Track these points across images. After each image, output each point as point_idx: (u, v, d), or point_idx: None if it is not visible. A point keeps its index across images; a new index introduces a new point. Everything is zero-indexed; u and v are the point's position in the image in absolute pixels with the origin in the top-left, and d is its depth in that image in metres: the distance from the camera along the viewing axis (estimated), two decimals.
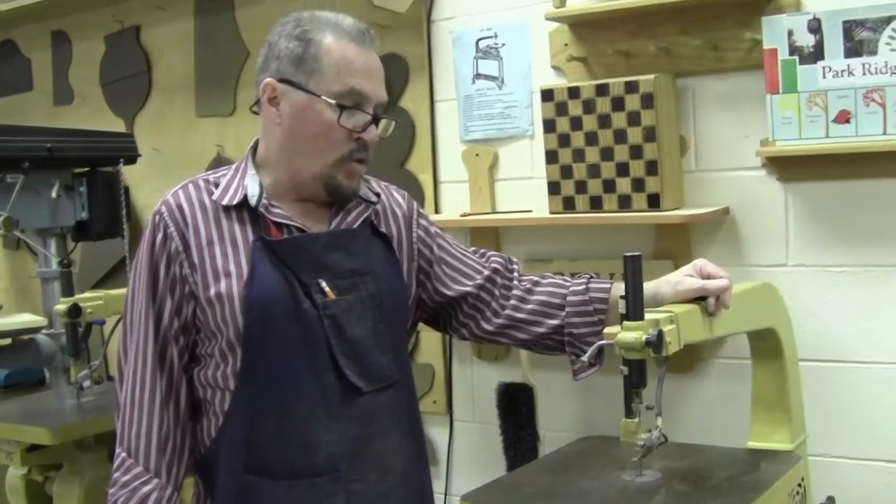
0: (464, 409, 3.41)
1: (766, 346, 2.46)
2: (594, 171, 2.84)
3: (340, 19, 2.07)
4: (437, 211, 3.37)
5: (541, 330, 2.26)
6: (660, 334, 1.92)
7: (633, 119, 2.75)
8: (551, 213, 2.95)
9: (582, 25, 2.97)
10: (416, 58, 3.38)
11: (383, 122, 2.11)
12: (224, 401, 2.06)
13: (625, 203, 2.81)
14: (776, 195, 2.75)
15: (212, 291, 2.02)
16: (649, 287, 2.08)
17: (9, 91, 4.71)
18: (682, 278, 2.14)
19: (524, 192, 3.16)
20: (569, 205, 2.90)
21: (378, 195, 2.22)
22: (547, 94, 2.90)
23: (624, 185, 2.80)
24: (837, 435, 2.72)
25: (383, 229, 2.22)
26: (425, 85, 3.37)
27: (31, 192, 3.77)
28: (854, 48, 2.52)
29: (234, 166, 2.15)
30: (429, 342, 3.45)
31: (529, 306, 2.27)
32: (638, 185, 2.78)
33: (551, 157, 2.91)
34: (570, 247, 3.07)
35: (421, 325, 2.44)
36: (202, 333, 2.06)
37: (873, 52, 2.50)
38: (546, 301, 2.26)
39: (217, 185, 2.10)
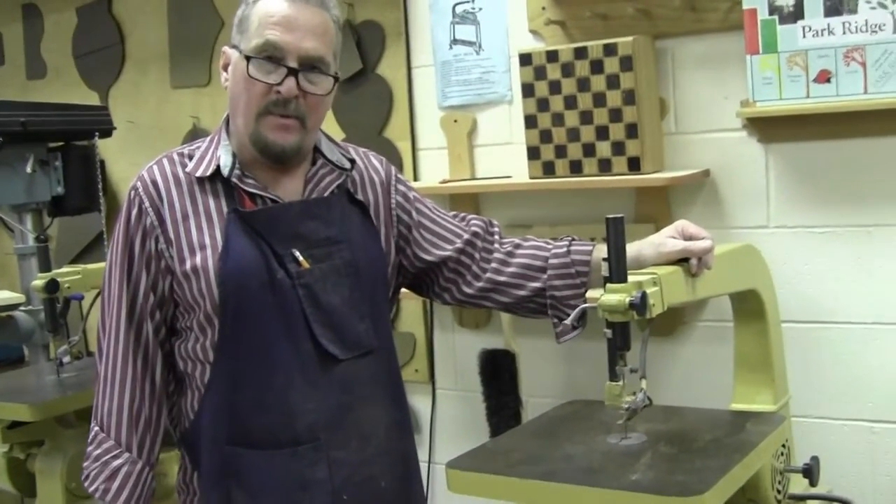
0: (446, 377, 3.41)
1: (749, 307, 2.46)
2: (574, 135, 2.83)
3: None
4: (416, 178, 3.35)
5: (522, 293, 2.25)
6: (643, 296, 1.90)
7: (613, 82, 2.74)
8: (531, 178, 2.94)
9: None
10: (392, 24, 3.35)
11: (311, 74, 2.02)
12: (204, 373, 2.05)
13: (605, 167, 2.80)
14: (757, 156, 2.74)
15: (187, 265, 2.01)
16: (631, 249, 2.06)
17: None
18: (665, 240, 2.13)
19: (503, 157, 3.15)
20: (548, 169, 2.89)
21: (353, 161, 2.20)
22: (525, 59, 2.89)
23: (604, 148, 2.79)
24: (820, 395, 2.72)
25: (360, 197, 2.20)
26: (402, 51, 3.34)
27: (6, 168, 3.73)
28: (834, 7, 2.50)
29: (208, 138, 2.13)
30: (410, 311, 3.44)
31: (511, 269, 2.26)
32: (618, 148, 2.76)
33: (530, 121, 2.90)
34: (551, 212, 3.06)
35: (402, 294, 2.42)
36: (180, 307, 2.05)
37: (853, 11, 2.48)
38: (528, 264, 2.25)
39: (191, 158, 2.08)
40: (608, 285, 1.94)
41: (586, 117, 2.80)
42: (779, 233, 2.74)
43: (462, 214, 2.35)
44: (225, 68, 2.09)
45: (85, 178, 3.92)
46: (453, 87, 3.23)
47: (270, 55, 1.98)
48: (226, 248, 2.00)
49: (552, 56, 2.83)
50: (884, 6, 2.45)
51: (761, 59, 2.60)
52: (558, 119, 2.85)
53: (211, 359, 2.04)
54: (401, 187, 2.29)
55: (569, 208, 3.03)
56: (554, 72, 2.83)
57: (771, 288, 2.51)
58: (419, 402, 3.44)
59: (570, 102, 2.82)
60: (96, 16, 4.20)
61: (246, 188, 2.04)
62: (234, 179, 2.03)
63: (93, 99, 4.24)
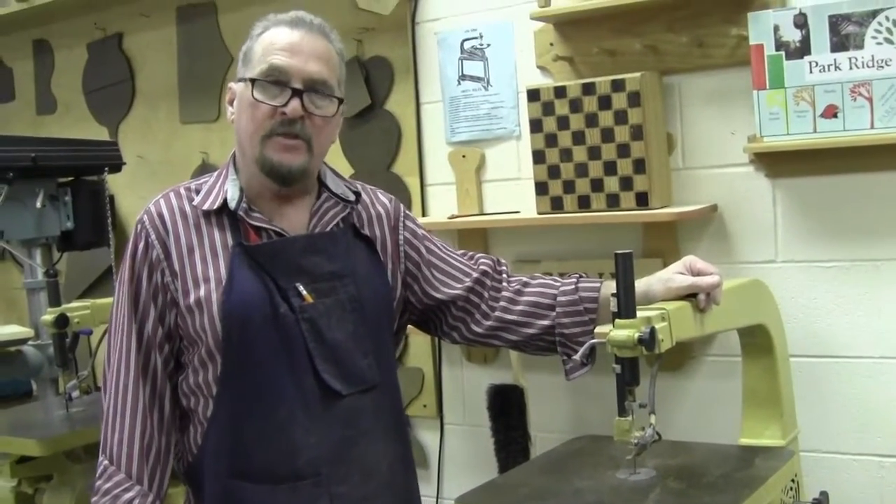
0: (454, 412, 3.40)
1: (757, 342, 2.46)
2: (582, 170, 2.84)
3: (288, 12, 2.10)
4: (424, 214, 3.36)
5: (531, 331, 2.25)
6: (652, 332, 1.91)
7: (620, 117, 2.75)
8: (539, 213, 2.94)
9: (567, 24, 2.97)
10: (401, 60, 3.37)
11: (316, 96, 2.05)
12: (207, 408, 2.06)
13: (613, 202, 2.80)
14: (764, 191, 2.75)
15: (191, 298, 2.02)
16: (640, 285, 2.07)
17: None
18: (673, 275, 2.13)
19: (512, 192, 3.15)
20: (557, 205, 2.89)
21: (357, 194, 2.21)
22: (533, 94, 2.90)
23: (612, 183, 2.79)
24: (829, 430, 2.72)
25: (366, 232, 2.21)
26: (411, 87, 3.36)
27: (16, 203, 3.74)
28: (840, 42, 2.52)
29: (216, 173, 2.15)
30: (418, 346, 3.43)
31: (519, 308, 2.26)
32: (626, 183, 2.77)
33: (538, 157, 2.91)
34: (559, 247, 3.07)
35: (410, 329, 2.42)
36: (185, 341, 2.06)
37: (859, 46, 2.50)
38: (536, 302, 2.25)
39: (198, 192, 2.10)
40: (617, 321, 1.95)
41: (594, 153, 2.81)
42: (787, 267, 2.74)
43: (470, 253, 2.36)
44: (231, 103, 2.12)
45: (94, 213, 3.93)
46: (461, 122, 3.25)
47: (275, 79, 2.01)
48: (229, 281, 2.01)
49: (560, 92, 2.84)
50: (890, 41, 2.47)
51: (768, 95, 2.61)
52: (566, 154, 2.85)
53: (213, 393, 2.04)
54: (409, 224, 2.30)
55: (577, 243, 3.03)
56: (562, 107, 2.84)
57: (779, 322, 2.51)
58: (427, 437, 3.44)
59: (578, 138, 2.83)
60: (107, 52, 4.23)
61: (251, 221, 2.06)
62: (241, 213, 2.05)
63: (102, 134, 4.26)
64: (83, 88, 4.35)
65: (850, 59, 2.52)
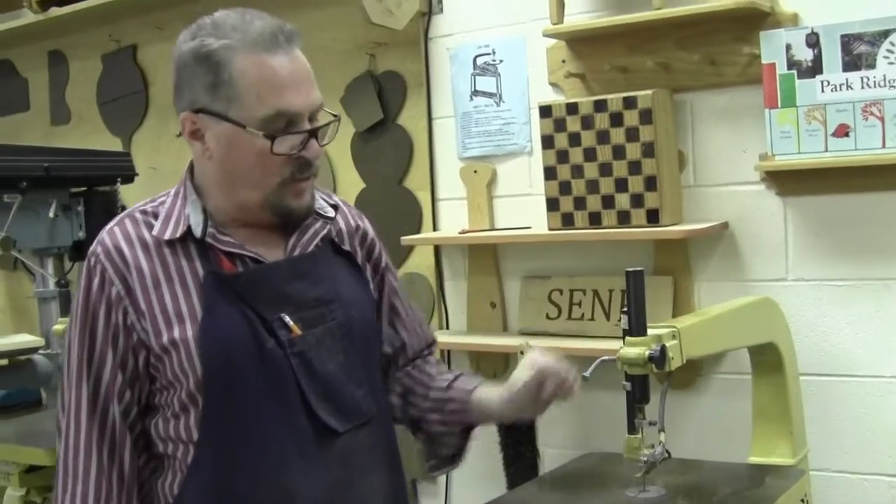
0: None
1: (767, 360, 2.46)
2: (593, 186, 2.84)
3: (246, 25, 1.77)
4: (435, 228, 3.36)
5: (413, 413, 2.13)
6: (663, 350, 1.91)
7: (632, 134, 2.76)
8: (550, 229, 2.94)
9: (579, 41, 2.97)
10: (413, 75, 3.38)
11: (324, 129, 1.84)
12: (187, 455, 1.84)
13: (624, 219, 2.81)
14: (775, 209, 2.75)
15: (164, 338, 1.78)
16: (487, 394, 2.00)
17: (6, 111, 4.71)
18: (514, 377, 1.98)
19: (523, 208, 3.16)
20: (568, 221, 2.90)
21: (336, 207, 2.02)
22: (545, 111, 2.91)
23: (623, 200, 2.80)
24: (839, 449, 2.71)
25: (346, 247, 2.02)
26: (423, 102, 3.37)
27: (29, 212, 3.75)
28: (852, 62, 2.52)
29: (171, 192, 1.89)
30: None
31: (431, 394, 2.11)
32: (637, 200, 2.78)
33: (550, 173, 2.91)
34: (570, 263, 3.07)
35: None
36: (157, 384, 1.82)
37: (871, 66, 2.50)
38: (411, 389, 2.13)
39: (156, 217, 1.85)
40: (627, 338, 1.95)
41: (606, 169, 2.81)
42: (797, 286, 2.74)
43: (421, 316, 2.23)
44: (195, 136, 1.82)
45: (106, 223, 3.93)
46: (473, 137, 3.26)
47: (287, 123, 1.77)
48: (206, 317, 1.79)
49: (572, 108, 2.85)
50: None
51: (780, 113, 2.62)
52: (578, 171, 2.86)
53: (195, 438, 1.81)
54: (378, 246, 2.13)
55: (588, 260, 3.04)
56: (574, 124, 2.85)
57: (789, 341, 2.51)
58: None
59: (590, 154, 2.83)
60: (121, 63, 4.25)
61: (222, 247, 1.83)
62: (209, 239, 1.82)
63: (115, 145, 4.27)
64: (97, 99, 4.37)
65: (862, 78, 2.52)
